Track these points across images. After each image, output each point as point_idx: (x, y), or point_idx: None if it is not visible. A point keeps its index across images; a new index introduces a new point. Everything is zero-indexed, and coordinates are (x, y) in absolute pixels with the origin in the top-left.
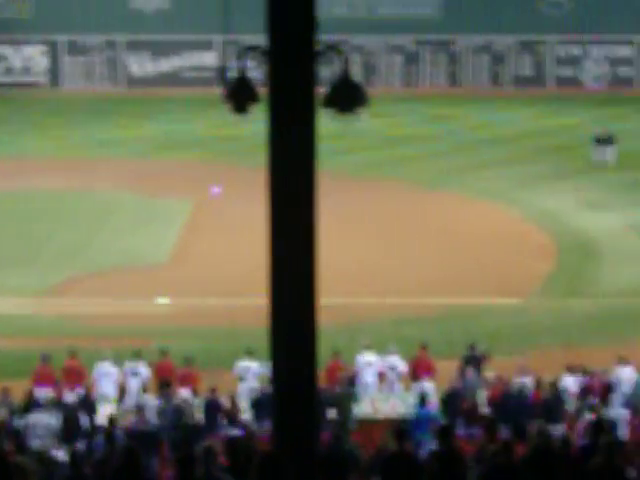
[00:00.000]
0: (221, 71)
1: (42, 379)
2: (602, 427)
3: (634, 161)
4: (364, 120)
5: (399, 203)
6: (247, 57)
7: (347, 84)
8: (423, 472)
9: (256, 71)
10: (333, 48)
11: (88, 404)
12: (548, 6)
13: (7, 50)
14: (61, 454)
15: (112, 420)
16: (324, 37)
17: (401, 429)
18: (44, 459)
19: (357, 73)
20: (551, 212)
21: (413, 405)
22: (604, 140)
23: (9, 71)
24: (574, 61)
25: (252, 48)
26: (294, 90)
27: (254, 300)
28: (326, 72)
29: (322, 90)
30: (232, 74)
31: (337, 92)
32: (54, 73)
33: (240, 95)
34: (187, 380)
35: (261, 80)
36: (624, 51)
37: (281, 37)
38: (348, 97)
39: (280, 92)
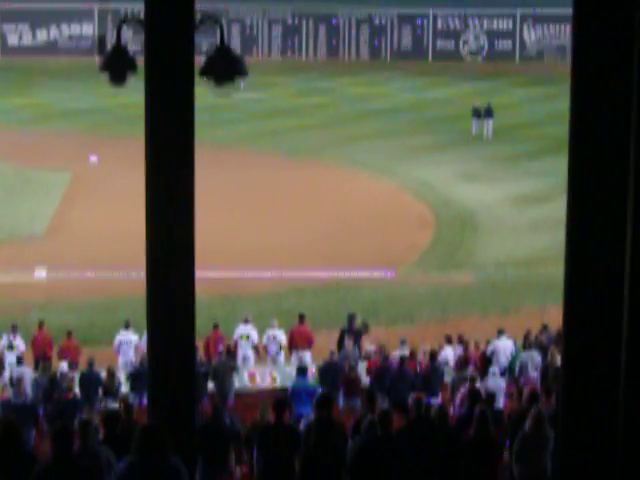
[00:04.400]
0: (99, 41)
1: None
2: (478, 398)
3: (510, 134)
4: (241, 91)
5: (276, 175)
6: (124, 26)
7: (224, 54)
8: (301, 443)
9: (134, 41)
10: (211, 18)
11: None
12: None
13: None
14: None
15: None
16: (203, 7)
17: (280, 400)
18: None
19: (236, 43)
20: (429, 184)
21: (291, 376)
22: (483, 113)
23: None
24: (454, 34)
25: (130, 17)
26: (172, 60)
27: (132, 272)
28: (205, 42)
29: (200, 61)
30: (110, 44)
31: (214, 62)
32: None
33: (117, 65)
34: (65, 353)
35: (140, 50)
36: (504, 24)
37: (158, 6)
38: (225, 67)
39: (157, 62)
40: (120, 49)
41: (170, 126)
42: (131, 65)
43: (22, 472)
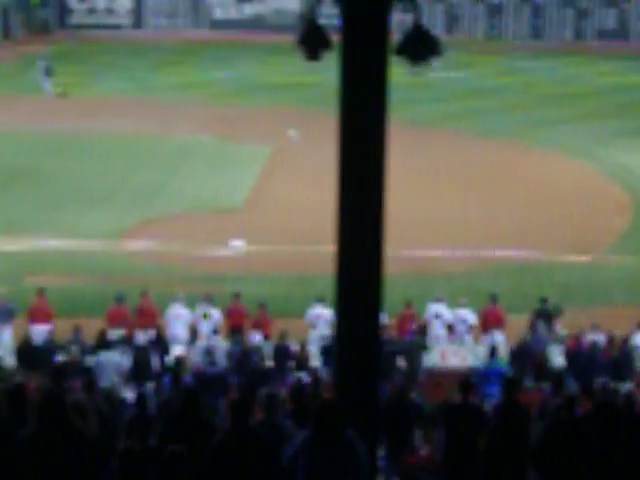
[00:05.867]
0: (302, 17)
1: (115, 319)
2: None
3: None
4: (444, 70)
5: (473, 155)
6: (322, 4)
7: (420, 34)
8: (487, 424)
9: (333, 18)
10: None
11: (160, 344)
12: None
13: None
14: (129, 394)
15: (180, 362)
16: None
17: (467, 380)
18: (111, 398)
19: (440, 22)
20: (628, 168)
21: (482, 357)
22: None
23: (92, 12)
24: None
25: None
26: (367, 38)
27: (328, 247)
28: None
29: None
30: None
31: (410, 41)
32: (137, 15)
33: (312, 42)
34: (259, 325)
35: (337, 27)
36: None
37: None
38: (420, 46)
39: (353, 39)
40: (316, 26)
41: (363, 103)
42: (326, 42)
43: (201, 441)
